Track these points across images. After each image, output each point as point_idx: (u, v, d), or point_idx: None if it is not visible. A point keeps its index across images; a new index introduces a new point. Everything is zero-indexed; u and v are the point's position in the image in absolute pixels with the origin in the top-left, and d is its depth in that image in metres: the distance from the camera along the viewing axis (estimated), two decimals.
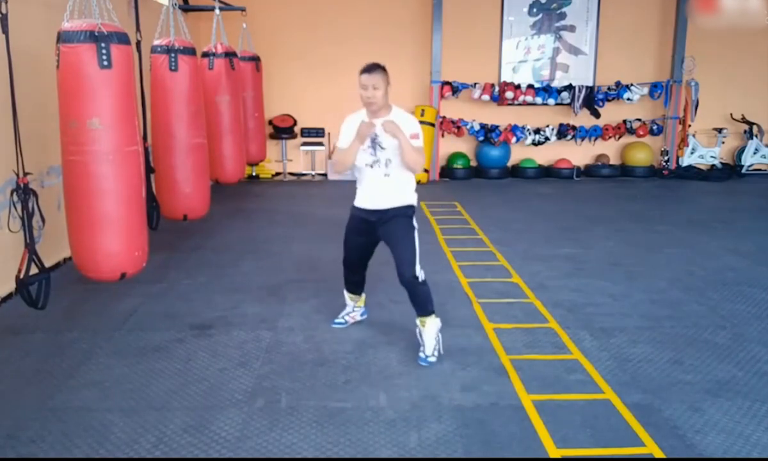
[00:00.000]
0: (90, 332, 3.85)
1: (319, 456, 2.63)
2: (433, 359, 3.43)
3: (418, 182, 9.20)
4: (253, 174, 9.85)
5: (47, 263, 4.14)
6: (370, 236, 3.55)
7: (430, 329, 3.45)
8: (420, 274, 3.41)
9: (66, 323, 3.99)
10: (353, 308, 3.96)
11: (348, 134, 3.42)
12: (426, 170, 9.45)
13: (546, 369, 3.39)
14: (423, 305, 3.47)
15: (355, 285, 3.88)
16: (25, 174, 3.78)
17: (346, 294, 3.93)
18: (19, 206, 3.80)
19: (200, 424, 2.85)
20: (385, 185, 3.41)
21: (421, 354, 3.46)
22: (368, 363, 3.46)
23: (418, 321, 3.52)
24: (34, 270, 3.89)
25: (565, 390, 3.16)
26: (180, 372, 3.35)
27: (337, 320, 3.96)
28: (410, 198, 3.49)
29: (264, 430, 2.80)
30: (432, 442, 2.71)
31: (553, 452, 2.64)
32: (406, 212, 3.44)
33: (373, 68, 3.33)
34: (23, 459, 2.62)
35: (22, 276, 3.78)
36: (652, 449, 2.66)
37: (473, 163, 10.14)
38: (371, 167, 3.41)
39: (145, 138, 5.10)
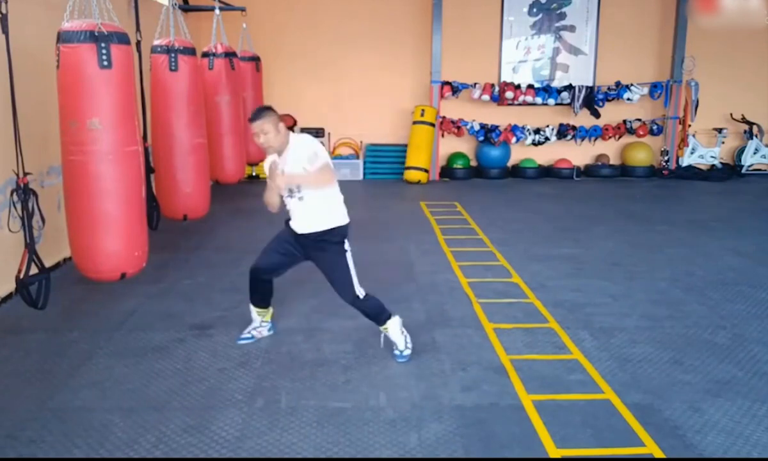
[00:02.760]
0: (90, 332, 3.85)
1: (319, 456, 2.63)
2: (407, 352, 3.50)
3: (418, 182, 9.30)
4: (253, 174, 9.84)
5: (47, 263, 4.14)
6: (297, 252, 3.48)
7: (393, 330, 3.50)
8: (360, 292, 3.41)
9: (66, 323, 3.98)
10: (260, 322, 3.79)
11: (268, 174, 3.39)
12: (426, 170, 9.45)
13: (546, 369, 3.39)
14: (376, 318, 3.51)
15: (260, 296, 3.69)
16: (25, 174, 3.79)
17: (252, 309, 3.73)
18: (19, 206, 3.80)
19: (200, 424, 2.85)
20: (304, 210, 3.35)
21: (395, 351, 3.51)
22: (368, 363, 3.46)
23: (381, 329, 3.54)
24: (34, 270, 3.89)
25: (565, 390, 3.16)
26: (180, 372, 3.35)
27: (243, 336, 3.77)
28: (336, 219, 3.38)
29: (264, 430, 2.80)
30: (432, 442, 2.71)
31: (553, 452, 2.64)
32: (333, 238, 3.37)
33: (257, 115, 3.27)
34: (23, 459, 2.62)
35: (22, 276, 3.78)
36: (652, 449, 2.66)
37: (473, 163, 10.14)
38: (289, 196, 3.38)
39: (145, 138, 5.11)
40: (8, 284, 4.19)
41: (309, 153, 3.21)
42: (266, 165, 3.43)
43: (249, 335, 3.78)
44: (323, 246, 3.38)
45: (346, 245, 3.41)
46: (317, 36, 9.74)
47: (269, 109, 3.32)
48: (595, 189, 9.15)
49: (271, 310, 3.83)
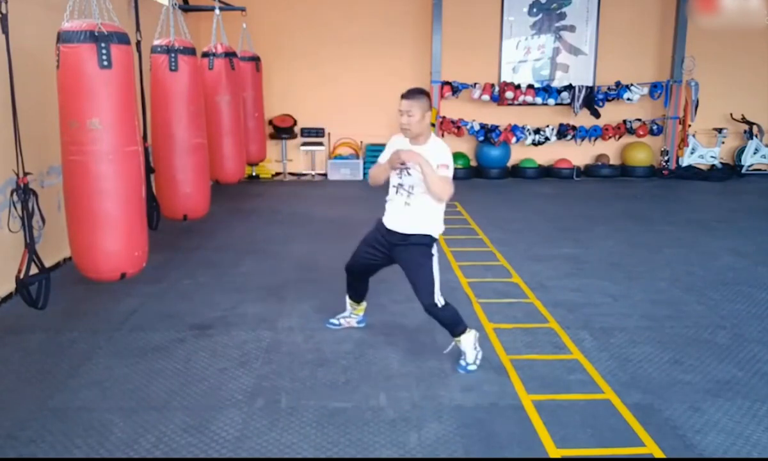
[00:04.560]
0: (90, 332, 3.85)
1: (319, 456, 2.63)
2: (473, 367, 3.36)
3: None
4: (253, 174, 9.85)
5: (47, 263, 4.14)
6: (382, 253, 3.47)
7: (466, 343, 3.39)
8: (439, 300, 3.32)
9: (66, 323, 3.98)
10: (350, 313, 3.92)
11: (388, 152, 3.38)
12: None
13: (546, 369, 3.39)
14: (451, 329, 3.41)
15: (355, 293, 3.83)
16: (25, 174, 3.79)
17: (347, 298, 3.90)
18: (19, 206, 3.80)
19: (200, 424, 2.85)
20: (405, 212, 3.33)
21: (462, 362, 3.39)
22: (368, 363, 3.46)
23: (453, 340, 3.46)
24: (34, 270, 3.89)
25: (565, 390, 3.16)
26: (180, 372, 3.35)
27: (331, 320, 3.95)
28: (431, 229, 3.36)
29: (264, 430, 2.80)
30: (432, 442, 2.71)
31: (553, 452, 2.64)
32: (422, 240, 3.34)
33: (411, 94, 3.25)
34: (23, 459, 2.62)
35: (22, 276, 3.78)
36: (652, 449, 2.66)
37: (473, 163, 10.14)
38: (396, 191, 3.36)
39: (145, 138, 5.11)
40: (8, 284, 4.19)
41: (446, 159, 3.23)
42: (392, 143, 3.38)
43: (337, 322, 3.93)
44: (412, 247, 3.34)
45: (434, 250, 3.36)
46: (317, 36, 9.74)
47: (425, 94, 3.28)
48: (595, 189, 9.15)
49: (364, 305, 3.91)
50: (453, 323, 3.40)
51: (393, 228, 3.38)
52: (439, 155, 3.23)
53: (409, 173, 3.28)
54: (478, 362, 3.39)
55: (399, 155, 3.19)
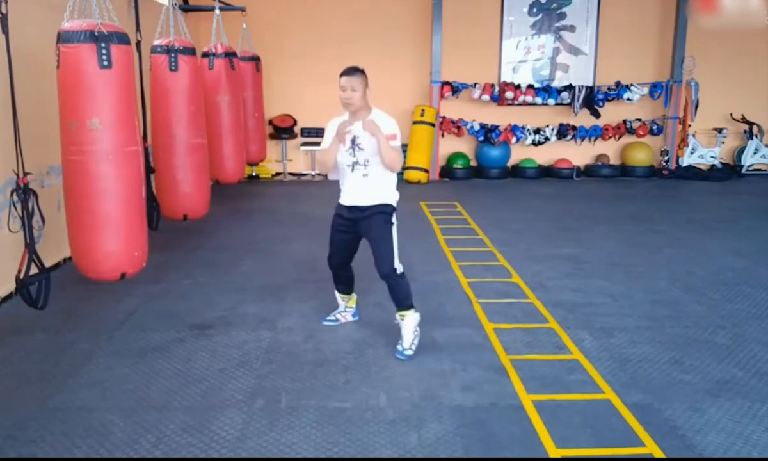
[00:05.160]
0: (90, 332, 3.85)
1: (319, 456, 2.63)
2: (410, 352, 3.50)
3: (418, 182, 9.30)
4: (253, 174, 9.85)
5: (47, 263, 4.14)
6: (352, 233, 3.64)
7: (408, 322, 3.53)
8: (398, 267, 3.50)
9: (66, 323, 3.98)
10: (344, 307, 4.01)
11: (330, 135, 3.54)
12: (426, 170, 9.45)
13: (546, 369, 3.39)
14: (402, 300, 3.54)
15: (343, 284, 3.94)
16: (25, 174, 3.79)
17: (337, 294, 4.00)
18: (19, 206, 3.80)
19: (200, 424, 2.85)
20: (364, 185, 3.49)
21: (399, 347, 3.53)
22: (368, 363, 3.46)
23: (397, 315, 3.59)
24: (34, 270, 3.89)
25: (565, 390, 3.16)
26: (180, 372, 3.35)
27: (328, 318, 4.02)
28: (389, 198, 3.56)
29: (264, 430, 2.80)
30: (432, 442, 2.71)
31: (553, 452, 2.64)
32: (384, 209, 3.52)
33: (351, 71, 3.41)
34: (23, 459, 2.62)
35: (22, 276, 3.78)
36: (652, 449, 2.66)
37: (473, 163, 10.14)
38: (351, 169, 3.51)
39: (145, 138, 5.11)
40: (8, 284, 4.19)
41: (391, 130, 3.42)
42: (332, 125, 3.54)
43: (333, 318, 4.01)
44: (374, 217, 3.48)
45: (394, 219, 3.53)
46: (317, 36, 9.74)
47: (363, 71, 3.44)
48: (595, 189, 9.15)
49: (354, 297, 4.01)
50: (406, 294, 3.54)
51: (354, 204, 3.54)
52: (387, 126, 3.42)
53: (361, 148, 3.45)
54: (413, 347, 3.51)
55: (348, 124, 3.37)
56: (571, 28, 10.03)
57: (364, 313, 4.10)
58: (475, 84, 9.85)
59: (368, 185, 3.48)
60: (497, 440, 2.73)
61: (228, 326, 3.96)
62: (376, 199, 3.50)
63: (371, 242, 3.56)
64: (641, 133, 10.06)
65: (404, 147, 9.63)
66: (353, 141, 3.45)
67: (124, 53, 3.80)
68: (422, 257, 5.46)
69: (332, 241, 3.76)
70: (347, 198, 3.59)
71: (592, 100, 9.87)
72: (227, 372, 3.36)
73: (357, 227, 3.59)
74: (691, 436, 2.75)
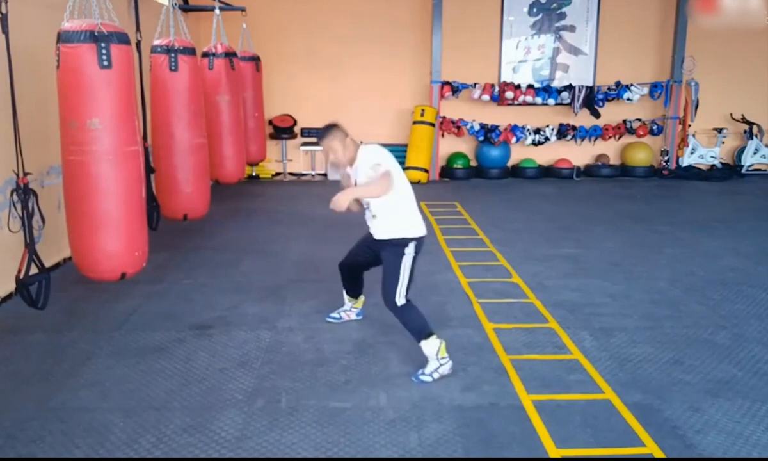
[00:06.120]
0: (90, 332, 3.85)
1: (319, 456, 2.63)
2: (426, 378, 3.26)
3: (418, 182, 9.30)
4: (253, 174, 9.85)
5: (47, 263, 4.14)
6: (374, 254, 3.58)
7: (427, 350, 3.28)
8: (398, 300, 3.34)
9: (66, 323, 3.98)
10: (350, 307, 4.04)
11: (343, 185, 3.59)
12: (426, 170, 9.45)
13: (546, 369, 3.38)
14: (413, 333, 3.37)
15: (351, 289, 3.99)
16: (25, 174, 3.79)
17: (345, 294, 4.02)
18: (19, 206, 3.80)
19: (200, 424, 2.85)
20: (375, 223, 3.49)
21: (420, 370, 3.30)
22: (368, 363, 3.46)
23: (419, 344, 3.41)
24: (34, 270, 3.89)
25: (565, 390, 3.16)
26: (180, 372, 3.35)
27: (331, 315, 4.05)
28: (401, 231, 3.42)
29: (264, 430, 2.80)
30: (432, 442, 2.71)
31: (553, 452, 2.64)
32: (397, 242, 3.42)
33: (323, 134, 3.42)
34: (23, 459, 2.62)
35: (22, 276, 3.78)
36: (652, 449, 2.66)
37: (473, 163, 10.14)
38: (364, 211, 3.55)
39: (145, 138, 5.11)
40: (8, 284, 4.18)
41: (374, 160, 3.33)
42: (342, 176, 3.62)
43: (338, 316, 4.04)
44: (386, 249, 3.45)
45: (407, 250, 3.39)
46: (317, 36, 9.74)
47: (334, 126, 3.44)
48: (595, 189, 9.15)
49: (362, 299, 4.04)
50: (414, 327, 3.36)
51: (374, 236, 3.54)
52: (368, 162, 3.35)
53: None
54: (435, 376, 3.25)
55: (337, 207, 3.30)
56: (571, 28, 10.03)
57: (365, 313, 4.09)
58: (475, 84, 9.85)
59: (379, 224, 3.46)
60: (497, 440, 2.73)
61: (228, 326, 3.96)
62: (387, 234, 3.44)
63: (382, 272, 3.49)
64: (641, 133, 10.06)
65: (404, 147, 9.69)
66: (356, 183, 3.47)
67: (124, 53, 3.80)
68: (422, 257, 5.42)
69: (355, 250, 3.79)
70: (371, 231, 3.58)
71: (592, 100, 9.87)
72: (227, 372, 3.36)
73: (378, 253, 3.56)
74: (691, 436, 2.76)
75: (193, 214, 5.58)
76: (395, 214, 3.41)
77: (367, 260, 3.72)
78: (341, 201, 3.25)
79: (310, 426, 2.83)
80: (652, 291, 4.63)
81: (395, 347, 3.63)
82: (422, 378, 3.27)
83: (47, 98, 4.35)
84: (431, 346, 3.29)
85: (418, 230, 3.43)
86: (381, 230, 3.46)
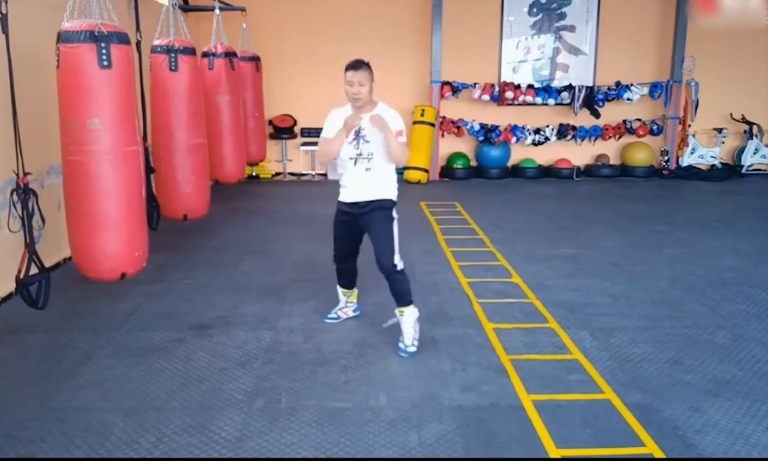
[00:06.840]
0: (90, 332, 3.85)
1: (319, 456, 2.63)
2: (412, 348, 3.51)
3: (418, 182, 9.30)
4: (253, 174, 9.85)
5: (47, 263, 4.14)
6: (354, 226, 3.63)
7: (408, 318, 3.53)
8: (399, 263, 3.49)
9: (66, 323, 3.98)
10: (345, 303, 4.04)
11: (334, 125, 3.51)
12: (426, 170, 9.45)
13: (546, 369, 3.39)
14: (401, 295, 3.54)
15: (347, 278, 3.96)
16: (25, 174, 3.78)
17: (339, 289, 4.02)
18: (19, 206, 3.79)
19: (200, 424, 2.85)
20: (366, 179, 3.48)
21: (401, 345, 3.55)
22: (368, 363, 3.46)
23: (396, 311, 3.59)
24: (34, 270, 3.89)
25: (565, 390, 3.16)
26: (180, 372, 3.35)
27: (330, 316, 4.03)
28: (390, 193, 3.55)
29: (264, 430, 2.80)
30: (432, 442, 2.71)
31: (553, 452, 2.64)
32: (385, 204, 3.51)
33: (358, 65, 3.41)
34: (23, 459, 2.62)
35: (22, 276, 3.77)
36: (652, 449, 2.66)
37: (473, 163, 10.14)
38: (354, 162, 3.49)
39: (145, 138, 5.11)
40: (8, 284, 4.19)
41: (399, 126, 3.41)
42: (334, 115, 3.53)
43: (335, 315, 4.03)
44: (375, 212, 3.48)
45: (395, 213, 3.52)
46: (317, 36, 9.74)
47: (368, 64, 3.45)
48: (595, 189, 9.15)
49: (356, 291, 4.04)
50: (405, 290, 3.53)
51: (355, 199, 3.52)
52: (394, 122, 3.41)
53: (366, 140, 3.43)
54: (415, 343, 3.52)
55: (358, 117, 3.33)
56: (571, 28, 10.03)
57: (365, 313, 4.10)
58: (475, 84, 9.85)
59: (370, 179, 3.47)
60: (497, 440, 2.73)
61: (228, 326, 3.96)
62: (377, 194, 3.49)
63: (372, 236, 3.55)
64: (641, 133, 10.06)
65: None
66: (358, 133, 3.44)
67: (124, 53, 3.79)
68: (422, 257, 5.46)
69: (336, 237, 3.78)
70: (348, 194, 3.58)
71: (592, 100, 9.87)
72: (227, 372, 3.36)
73: (359, 222, 3.59)
74: (691, 436, 2.76)
75: (193, 214, 5.57)
76: (389, 174, 3.52)
77: (355, 239, 3.73)
78: (379, 123, 3.30)
79: (310, 426, 2.83)
80: (652, 291, 4.63)
81: (395, 347, 3.63)
82: (409, 350, 3.48)
83: (47, 98, 4.35)
84: (413, 313, 3.52)
85: (396, 193, 3.59)
86: (371, 189, 3.47)
